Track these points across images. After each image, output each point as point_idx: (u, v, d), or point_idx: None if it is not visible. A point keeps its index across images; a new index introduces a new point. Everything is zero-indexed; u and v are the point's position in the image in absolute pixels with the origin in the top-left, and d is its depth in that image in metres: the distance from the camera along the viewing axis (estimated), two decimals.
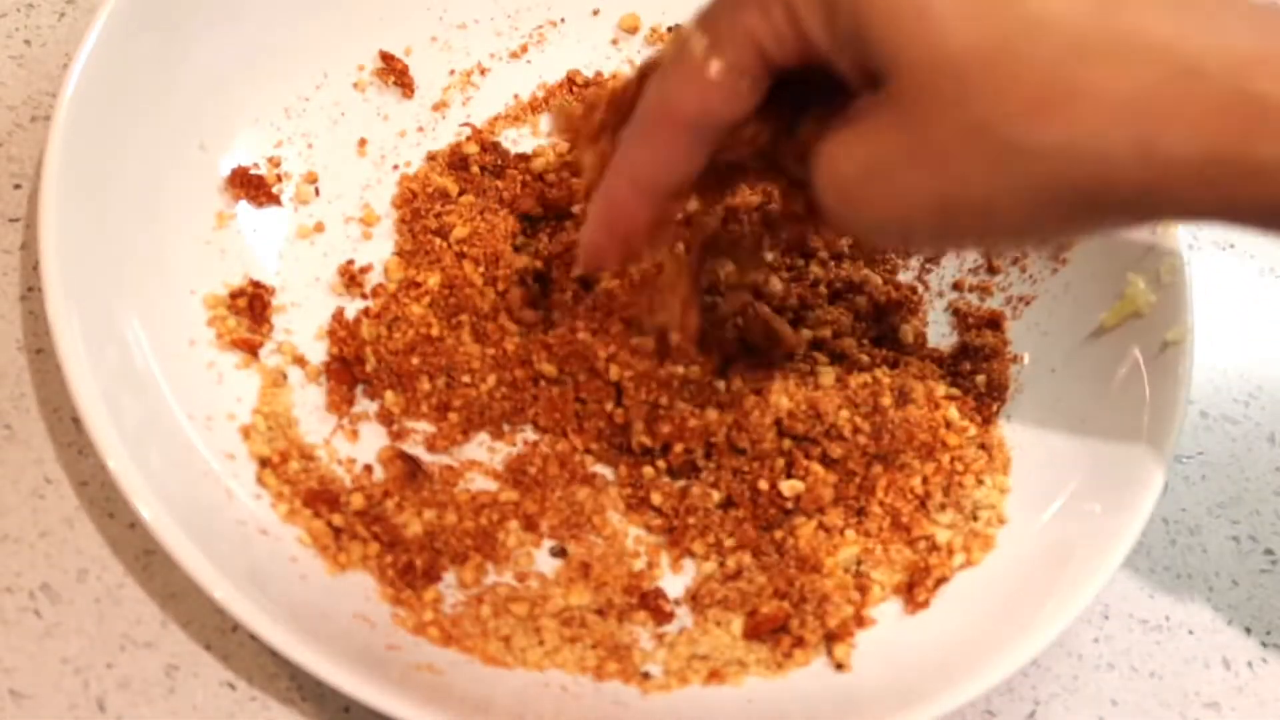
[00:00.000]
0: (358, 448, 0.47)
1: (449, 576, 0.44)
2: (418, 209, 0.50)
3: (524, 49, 0.55)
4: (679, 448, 0.46)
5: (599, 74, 0.55)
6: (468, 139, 0.53)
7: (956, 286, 0.52)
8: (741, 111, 0.35)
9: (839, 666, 0.43)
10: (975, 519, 0.46)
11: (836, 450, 0.46)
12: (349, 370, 0.47)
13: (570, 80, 0.54)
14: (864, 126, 0.32)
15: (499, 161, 0.52)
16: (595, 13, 0.56)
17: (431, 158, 0.52)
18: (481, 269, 0.49)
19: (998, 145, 0.29)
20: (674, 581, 0.46)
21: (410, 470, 0.46)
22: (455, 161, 0.52)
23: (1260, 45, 0.28)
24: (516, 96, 0.54)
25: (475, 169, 0.52)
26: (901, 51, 0.30)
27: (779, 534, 0.46)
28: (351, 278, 0.49)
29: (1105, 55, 0.28)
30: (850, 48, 0.32)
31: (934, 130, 0.30)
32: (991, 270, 0.52)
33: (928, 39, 0.30)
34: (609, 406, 0.46)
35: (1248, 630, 0.48)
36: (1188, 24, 0.29)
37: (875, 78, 0.32)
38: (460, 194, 0.51)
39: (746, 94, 0.34)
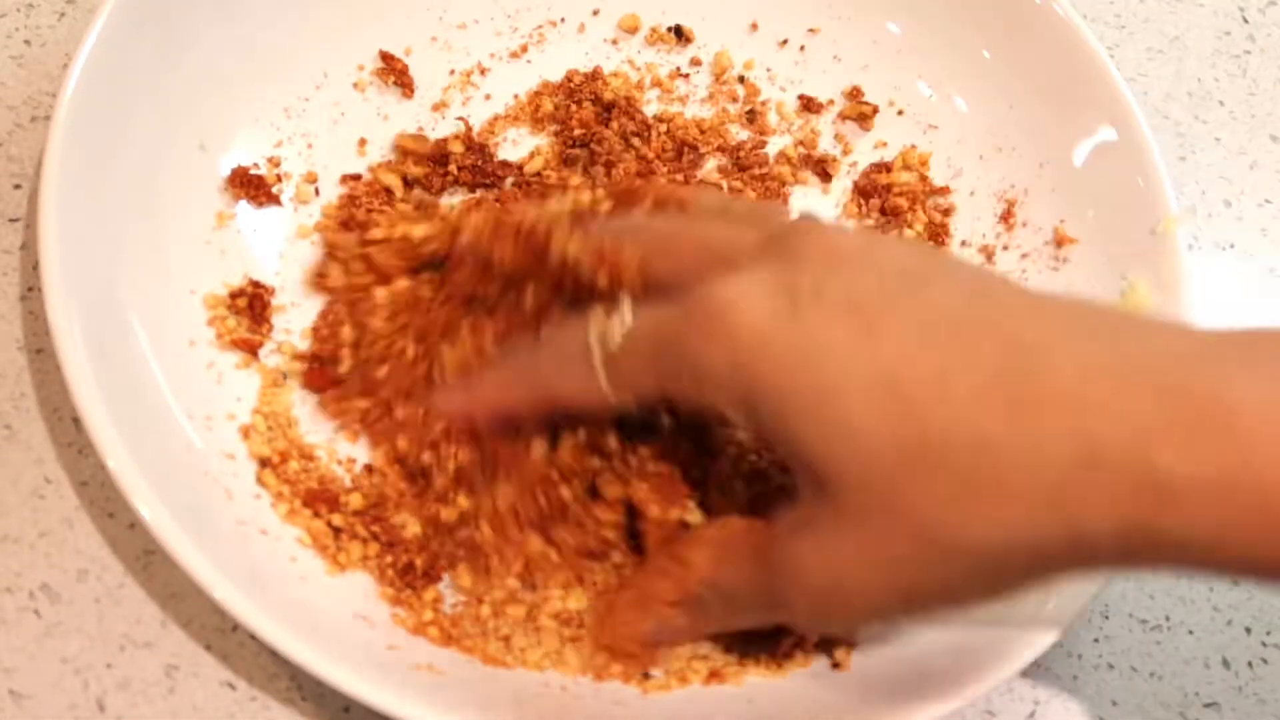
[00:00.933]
0: (357, 448, 0.46)
1: (449, 577, 0.44)
2: (355, 196, 0.50)
3: (524, 49, 0.55)
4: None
5: (598, 69, 0.55)
6: (455, 136, 0.52)
7: None
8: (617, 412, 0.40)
9: (837, 666, 0.43)
10: None
11: None
12: (324, 371, 0.47)
13: (568, 80, 0.54)
14: (820, 537, 0.35)
15: (478, 163, 0.52)
16: (595, 13, 0.56)
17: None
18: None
19: (939, 543, 0.32)
20: None
21: (410, 472, 0.45)
22: (437, 156, 0.52)
23: (1161, 414, 0.30)
24: (516, 97, 0.54)
25: (454, 168, 0.51)
26: (833, 466, 0.33)
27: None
28: None
29: (1017, 451, 0.31)
30: (781, 448, 0.35)
31: (880, 536, 0.33)
32: None
33: (855, 453, 0.32)
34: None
35: (1248, 630, 0.48)
36: (1091, 404, 0.30)
37: (810, 476, 0.34)
38: (404, 198, 0.51)
39: (629, 406, 0.39)
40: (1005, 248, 0.52)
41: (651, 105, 0.55)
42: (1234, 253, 0.57)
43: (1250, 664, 0.48)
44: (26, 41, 0.53)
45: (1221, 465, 0.29)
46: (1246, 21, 0.62)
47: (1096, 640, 0.47)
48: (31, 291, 0.48)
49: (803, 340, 0.33)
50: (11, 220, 0.49)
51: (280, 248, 0.49)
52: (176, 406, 0.43)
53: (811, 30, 0.56)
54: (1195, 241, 0.57)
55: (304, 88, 0.51)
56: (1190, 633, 0.48)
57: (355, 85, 0.53)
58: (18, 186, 0.50)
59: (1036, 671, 0.46)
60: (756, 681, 0.43)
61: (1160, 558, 0.31)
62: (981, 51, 0.54)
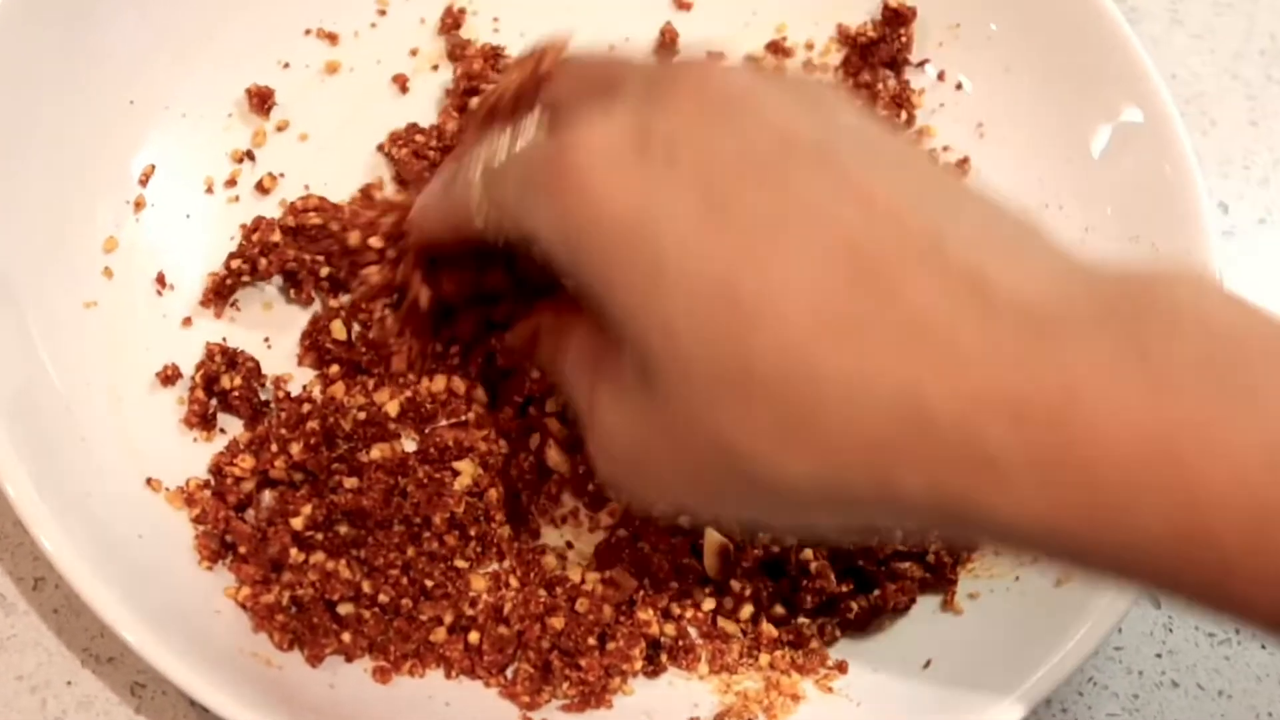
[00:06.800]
0: None
1: None
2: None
3: None
4: None
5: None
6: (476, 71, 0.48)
7: None
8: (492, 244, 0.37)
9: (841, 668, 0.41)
10: None
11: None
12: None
13: None
14: (632, 416, 0.33)
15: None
16: None
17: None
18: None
19: (744, 470, 0.30)
20: None
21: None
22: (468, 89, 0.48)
23: (991, 383, 0.27)
24: None
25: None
26: (650, 358, 0.31)
27: None
28: None
29: (841, 392, 0.28)
30: (604, 314, 0.32)
31: (689, 444, 0.31)
32: None
33: (674, 357, 0.30)
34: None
35: None
36: (929, 357, 0.28)
37: (627, 347, 0.32)
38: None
39: (498, 239, 0.36)
40: None
41: None
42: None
43: None
44: None
45: (1051, 447, 0.27)
46: None
47: (1159, 655, 0.45)
48: None
49: (640, 203, 0.30)
50: None
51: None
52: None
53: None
54: (1268, 215, 0.53)
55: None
56: (1263, 647, 0.46)
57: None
58: None
59: (1093, 690, 0.44)
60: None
61: (979, 531, 0.30)
62: (989, 25, 0.50)
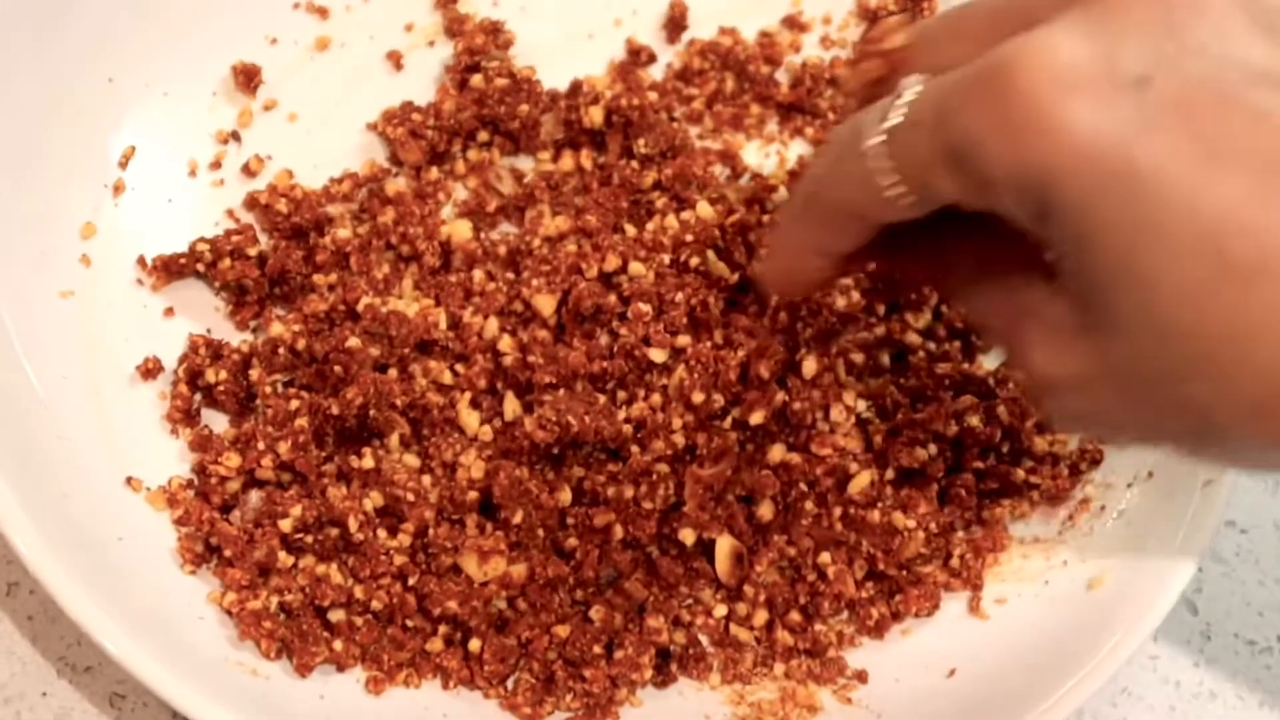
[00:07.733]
0: None
1: None
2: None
3: None
4: None
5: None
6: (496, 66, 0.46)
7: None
8: (910, 218, 0.34)
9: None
10: None
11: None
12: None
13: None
14: (1072, 348, 0.32)
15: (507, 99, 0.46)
16: None
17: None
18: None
19: (1211, 426, 0.30)
20: None
21: None
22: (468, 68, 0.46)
23: None
24: None
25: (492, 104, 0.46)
26: (1122, 316, 0.30)
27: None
28: None
29: None
30: (1063, 259, 0.31)
31: (1153, 400, 0.31)
32: None
33: (1151, 318, 0.29)
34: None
35: None
36: None
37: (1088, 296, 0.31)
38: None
39: (918, 210, 0.33)
40: None
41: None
42: None
43: None
44: None
45: None
46: None
47: (1197, 665, 0.44)
48: None
49: (1121, 150, 0.28)
50: None
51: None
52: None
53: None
54: None
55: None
56: None
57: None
58: None
59: (1128, 701, 0.43)
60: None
61: None
62: None
